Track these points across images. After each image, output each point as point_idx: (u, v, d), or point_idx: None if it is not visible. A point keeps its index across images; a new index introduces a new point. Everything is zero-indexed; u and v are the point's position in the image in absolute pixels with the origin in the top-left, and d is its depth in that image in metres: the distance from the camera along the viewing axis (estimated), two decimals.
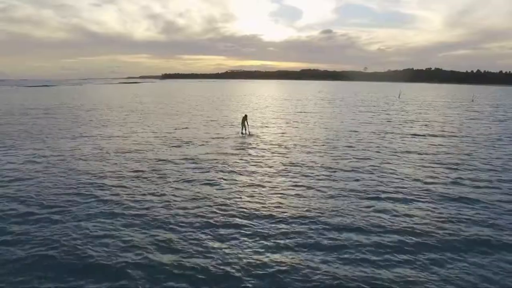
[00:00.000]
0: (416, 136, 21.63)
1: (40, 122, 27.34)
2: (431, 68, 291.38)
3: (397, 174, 13.15)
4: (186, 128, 24.54)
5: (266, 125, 26.44)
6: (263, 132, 23.01)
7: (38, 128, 24.08)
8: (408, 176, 12.99)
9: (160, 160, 15.21)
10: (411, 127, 25.91)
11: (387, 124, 27.00)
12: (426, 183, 12.18)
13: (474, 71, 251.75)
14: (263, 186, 11.68)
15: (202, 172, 13.32)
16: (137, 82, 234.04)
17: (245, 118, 22.72)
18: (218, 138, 20.78)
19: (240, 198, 10.68)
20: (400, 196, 10.85)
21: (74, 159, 15.31)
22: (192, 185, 11.85)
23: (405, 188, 11.60)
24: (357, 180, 12.42)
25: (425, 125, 26.70)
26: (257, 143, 19.27)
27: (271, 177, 12.77)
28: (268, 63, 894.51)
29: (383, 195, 10.86)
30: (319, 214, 9.36)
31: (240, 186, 11.78)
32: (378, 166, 14.27)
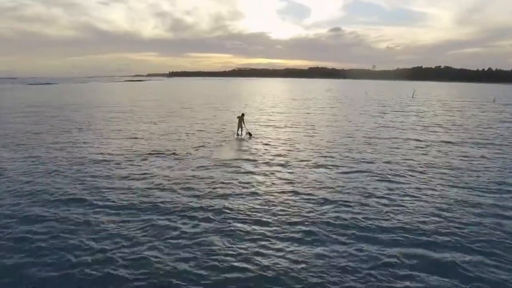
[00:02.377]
0: (453, 145, 18.14)
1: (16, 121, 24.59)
2: (440, 66, 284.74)
3: (442, 204, 9.89)
4: (175, 133, 21.35)
5: (270, 128, 23.27)
6: (265, 136, 19.85)
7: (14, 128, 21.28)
8: (460, 209, 9.73)
9: (128, 175, 12.13)
10: (443, 132, 22.25)
11: (410, 129, 23.59)
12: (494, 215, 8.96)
13: (485, 69, 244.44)
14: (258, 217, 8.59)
15: (181, 192, 10.14)
16: (142, 80, 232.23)
17: (241, 117, 19.86)
18: (210, 143, 17.68)
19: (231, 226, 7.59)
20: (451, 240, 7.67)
21: (18, 175, 12.30)
22: (171, 208, 8.75)
23: (460, 231, 8.37)
24: (385, 212, 9.23)
25: (458, 131, 23.04)
26: (256, 150, 16.07)
27: (269, 203, 9.58)
28: (275, 61, 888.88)
29: (424, 239, 7.70)
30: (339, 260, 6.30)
31: (231, 212, 8.63)
32: (417, 191, 11.00)
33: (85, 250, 7.32)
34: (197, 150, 16.47)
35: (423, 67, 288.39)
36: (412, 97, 59.93)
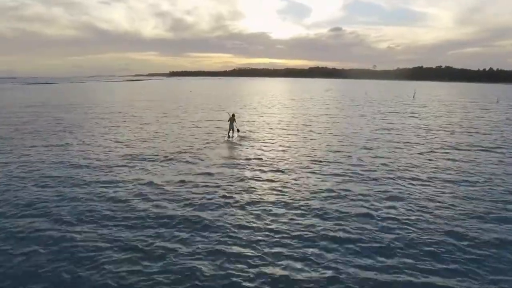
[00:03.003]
0: (459, 150, 16.87)
1: None
2: (441, 66, 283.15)
3: (452, 220, 8.66)
4: (163, 136, 20.18)
5: (265, 130, 22.18)
6: (258, 139, 18.81)
7: None
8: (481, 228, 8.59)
9: (104, 181, 10.98)
10: (447, 135, 20.86)
11: (413, 132, 22.38)
12: None
13: (487, 69, 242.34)
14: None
15: (159, 202, 8.92)
16: (140, 80, 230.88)
17: (232, 118, 18.82)
18: (198, 147, 16.59)
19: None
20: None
21: None
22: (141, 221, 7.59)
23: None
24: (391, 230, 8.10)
25: (463, 134, 21.74)
26: (247, 155, 15.03)
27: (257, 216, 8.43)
28: (276, 61, 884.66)
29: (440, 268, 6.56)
30: None
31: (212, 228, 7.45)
32: (423, 203, 9.82)
33: (40, 274, 6.22)
34: (182, 154, 15.34)
35: (424, 67, 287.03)
36: (413, 97, 58.72)
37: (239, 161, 14.30)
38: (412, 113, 34.20)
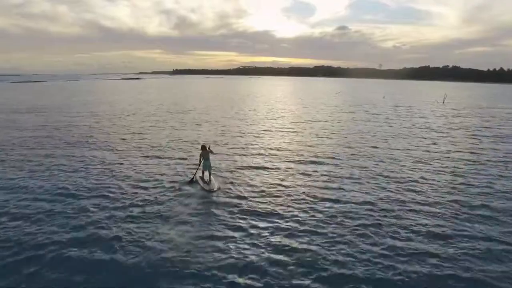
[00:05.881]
0: None
1: None
2: (448, 66, 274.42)
3: None
4: (98, 180, 11.61)
5: (260, 165, 13.61)
6: (246, 178, 10.44)
7: None
8: None
9: None
10: None
11: (485, 163, 13.72)
12: None
13: (494, 68, 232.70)
14: None
15: None
16: (140, 78, 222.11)
17: (205, 151, 11.06)
18: (149, 208, 8.29)
19: None
20: None
21: None
22: None
23: None
24: None
25: None
26: (226, 211, 7.32)
27: None
28: (280, 59, 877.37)
29: None
30: None
31: None
32: None
33: None
34: (121, 223, 6.87)
35: (431, 66, 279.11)
36: (443, 103, 49.89)
37: (224, 238, 6.14)
38: (468, 128, 25.35)
